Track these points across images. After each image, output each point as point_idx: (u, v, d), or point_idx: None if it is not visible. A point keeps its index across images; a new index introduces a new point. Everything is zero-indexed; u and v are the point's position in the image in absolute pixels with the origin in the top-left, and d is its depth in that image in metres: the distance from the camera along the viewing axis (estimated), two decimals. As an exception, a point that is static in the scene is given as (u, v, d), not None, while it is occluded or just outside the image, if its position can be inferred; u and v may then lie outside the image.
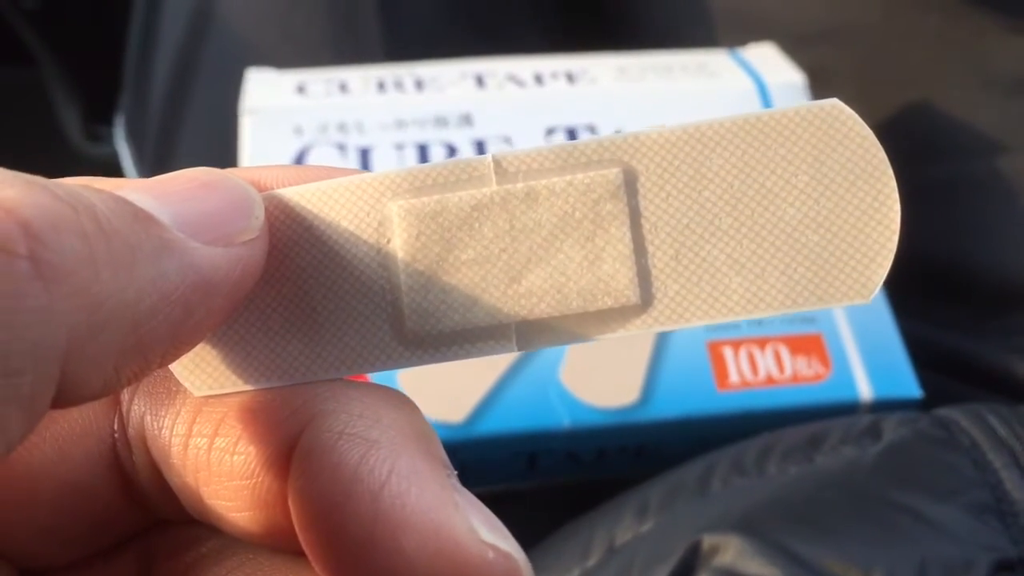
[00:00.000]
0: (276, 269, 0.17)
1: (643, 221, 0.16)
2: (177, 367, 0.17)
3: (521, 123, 0.41)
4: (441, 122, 0.41)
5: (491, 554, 0.14)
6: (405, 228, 0.16)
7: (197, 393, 0.17)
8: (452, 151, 0.40)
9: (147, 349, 0.13)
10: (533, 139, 0.40)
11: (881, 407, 0.36)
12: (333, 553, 0.15)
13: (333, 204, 0.17)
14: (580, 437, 0.35)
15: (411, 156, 0.39)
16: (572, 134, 0.41)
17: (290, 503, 0.16)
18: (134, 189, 0.14)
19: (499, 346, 0.17)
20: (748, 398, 0.36)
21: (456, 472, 0.16)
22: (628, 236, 0.16)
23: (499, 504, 0.42)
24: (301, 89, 0.42)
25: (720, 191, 0.16)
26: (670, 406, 0.35)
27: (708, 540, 0.30)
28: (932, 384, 0.37)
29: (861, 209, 0.16)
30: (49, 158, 0.84)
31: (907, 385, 0.36)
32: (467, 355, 0.17)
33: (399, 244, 0.16)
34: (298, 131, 0.40)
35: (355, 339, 0.17)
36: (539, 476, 0.38)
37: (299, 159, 0.39)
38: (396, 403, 0.16)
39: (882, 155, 0.16)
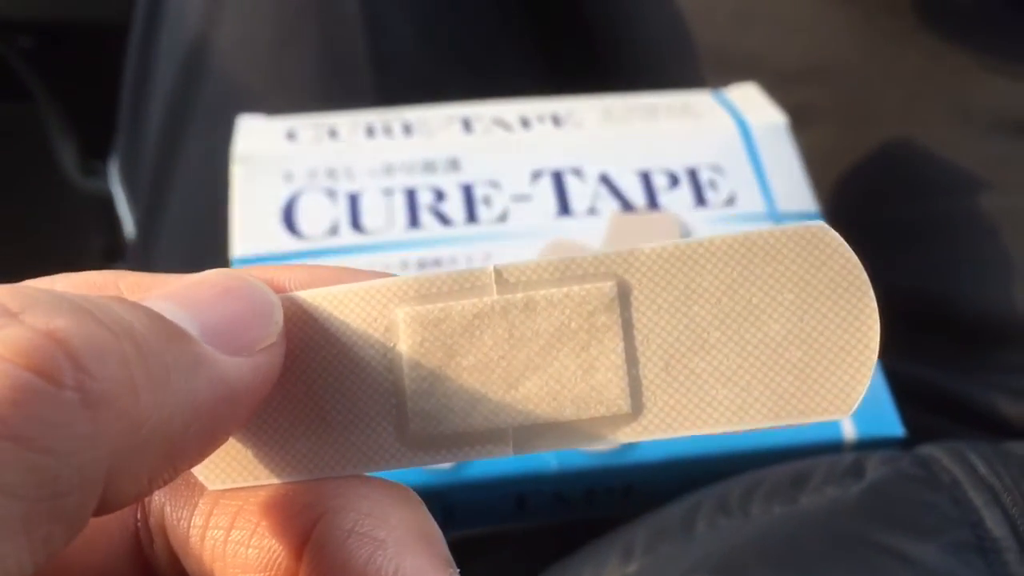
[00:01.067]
0: (288, 369, 0.17)
1: (635, 333, 0.17)
2: None
3: (508, 167, 0.42)
4: (429, 167, 0.41)
5: None
6: (410, 334, 0.17)
7: (211, 487, 0.18)
8: (440, 196, 0.40)
9: (177, 460, 0.14)
10: (520, 183, 0.41)
11: (864, 446, 0.37)
12: None
13: (344, 308, 0.17)
14: (568, 479, 0.36)
15: (399, 202, 0.40)
16: (558, 177, 0.41)
17: None
18: (165, 299, 0.15)
19: (496, 450, 0.17)
20: (733, 438, 0.36)
21: (459, 570, 0.16)
22: (621, 347, 0.17)
23: (489, 546, 0.42)
24: (291, 135, 0.42)
25: (709, 306, 0.17)
26: (656, 447, 0.36)
27: (692, 583, 0.30)
28: (914, 420, 0.38)
29: (843, 328, 0.17)
30: (45, 192, 0.84)
31: (890, 424, 0.37)
32: (466, 457, 0.17)
33: (404, 349, 0.17)
34: (288, 177, 0.40)
35: (361, 439, 0.17)
36: (528, 517, 0.38)
37: (289, 205, 0.40)
38: (403, 500, 0.17)
39: (864, 276, 0.17)
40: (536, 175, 0.41)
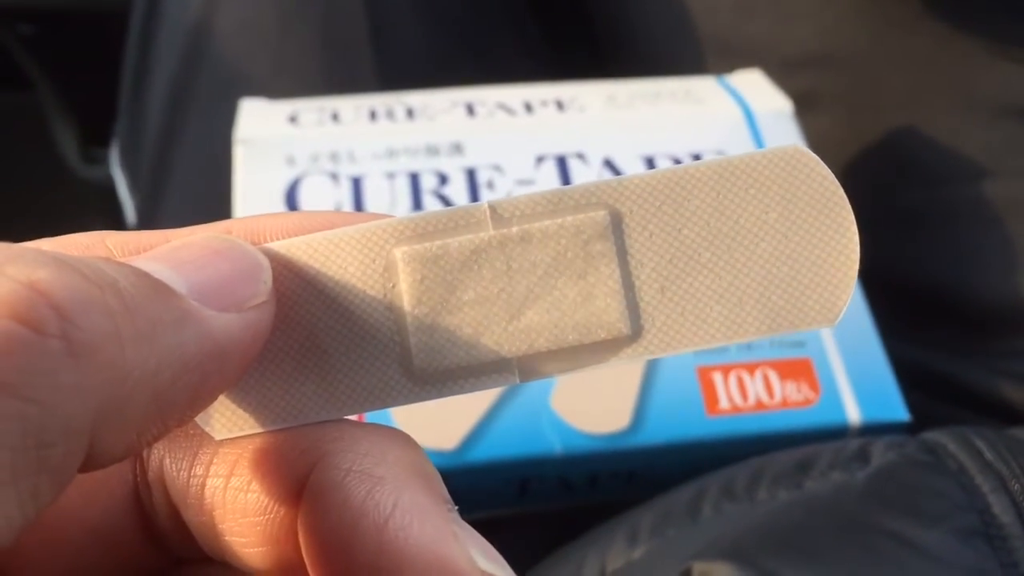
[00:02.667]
0: (288, 316, 0.18)
1: (630, 259, 0.18)
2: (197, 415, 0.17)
3: (511, 151, 0.41)
4: (432, 151, 0.41)
5: None
6: (409, 272, 0.17)
7: (218, 437, 0.18)
8: (443, 179, 0.40)
9: (166, 415, 0.14)
10: (523, 167, 0.41)
11: (870, 431, 0.36)
12: None
13: (340, 252, 0.18)
14: (572, 463, 0.36)
15: (402, 185, 0.40)
16: (562, 162, 0.41)
17: (300, 538, 0.16)
18: (151, 259, 0.15)
19: (502, 379, 0.18)
20: (738, 423, 0.36)
21: (456, 507, 0.16)
22: (617, 273, 0.18)
23: (492, 530, 0.42)
24: (293, 119, 0.42)
25: (699, 229, 0.18)
26: (661, 432, 0.36)
27: (698, 567, 0.30)
28: (919, 406, 0.37)
29: (825, 242, 0.18)
30: (46, 180, 0.84)
31: (895, 409, 0.37)
32: (473, 388, 0.18)
33: (404, 288, 0.17)
34: (290, 161, 0.40)
35: (366, 378, 0.18)
36: (531, 502, 0.38)
37: (292, 189, 0.39)
38: (401, 442, 0.17)
39: (840, 192, 0.18)
40: (540, 160, 0.41)
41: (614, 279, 0.18)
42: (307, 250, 0.18)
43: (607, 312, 0.18)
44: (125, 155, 0.57)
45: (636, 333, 0.18)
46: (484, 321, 0.17)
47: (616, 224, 0.18)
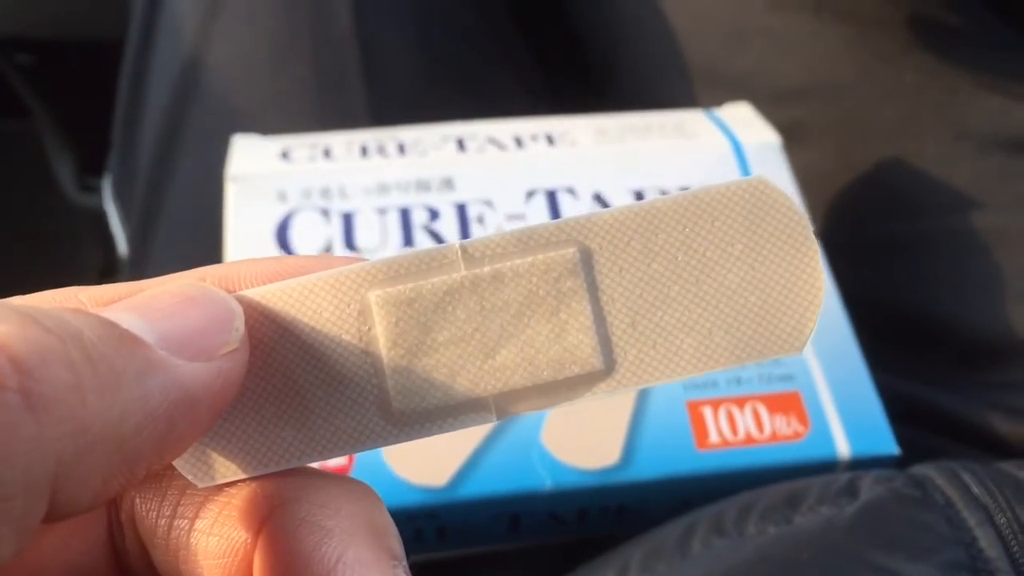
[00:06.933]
0: (265, 363, 0.18)
1: (600, 294, 0.18)
2: (179, 462, 0.18)
3: (502, 186, 0.42)
4: (423, 186, 0.41)
5: None
6: (384, 315, 0.18)
7: (201, 485, 0.18)
8: (434, 215, 0.40)
9: (133, 463, 0.14)
10: (513, 202, 0.41)
11: (859, 464, 0.36)
12: None
13: (314, 298, 0.18)
14: (562, 498, 0.36)
15: (393, 221, 0.40)
16: (552, 196, 0.41)
17: None
18: (121, 309, 0.15)
19: (479, 417, 0.18)
20: (728, 457, 0.36)
21: (405, 563, 0.17)
22: (588, 309, 0.18)
23: (483, 565, 0.42)
24: (285, 155, 0.42)
25: (667, 262, 0.18)
26: (651, 467, 0.36)
27: (686, 604, 0.30)
28: (908, 438, 0.38)
29: (790, 271, 0.18)
30: (43, 209, 0.85)
31: (885, 443, 0.37)
32: (451, 428, 0.18)
33: (380, 331, 0.18)
34: (282, 197, 0.40)
35: (345, 422, 0.18)
36: (522, 537, 0.38)
37: (283, 225, 0.40)
38: (357, 495, 0.17)
39: (805, 221, 0.18)
40: (530, 194, 0.42)
41: (585, 315, 0.18)
42: (282, 296, 0.18)
43: (580, 348, 0.18)
44: (118, 187, 0.57)
45: (609, 367, 0.18)
46: (459, 361, 0.18)
47: (586, 260, 0.18)
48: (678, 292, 0.18)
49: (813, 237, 0.18)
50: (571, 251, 0.18)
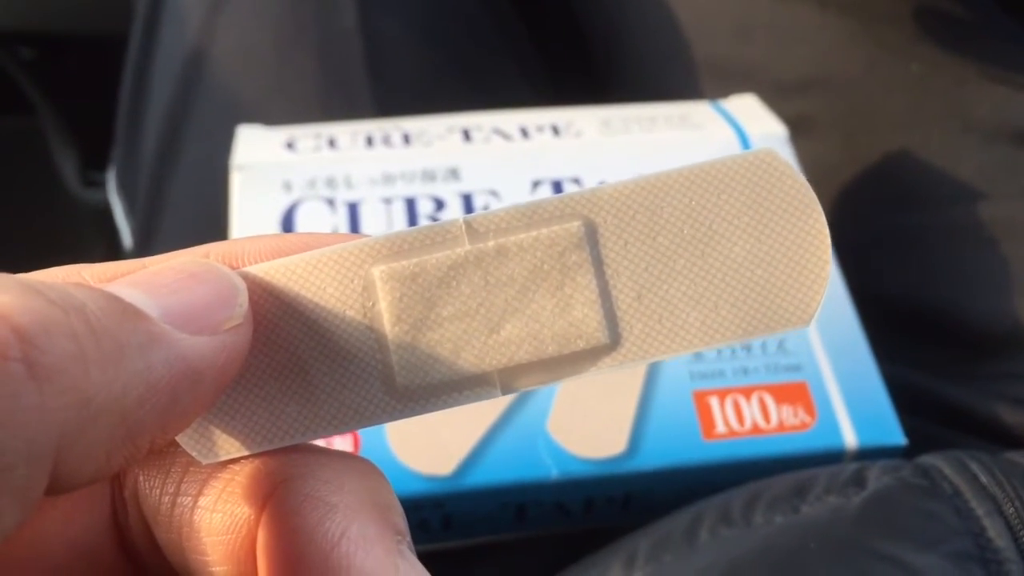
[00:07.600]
0: (269, 339, 0.18)
1: (606, 268, 0.18)
2: (183, 438, 0.18)
3: (507, 176, 0.42)
4: (428, 176, 0.41)
5: None
6: (388, 291, 0.18)
7: (204, 461, 0.18)
8: (440, 205, 0.40)
9: (136, 436, 0.14)
10: (519, 192, 0.41)
11: (866, 455, 0.36)
12: None
13: (318, 273, 0.18)
14: (568, 488, 0.36)
15: (399, 211, 0.40)
16: (558, 186, 0.41)
17: (257, 559, 0.17)
18: (126, 284, 0.15)
19: (484, 392, 0.18)
20: (734, 447, 0.36)
21: (408, 539, 0.17)
22: (593, 283, 0.18)
23: (490, 555, 0.42)
24: (290, 145, 0.42)
25: (673, 235, 0.18)
26: (657, 456, 0.36)
27: (694, 593, 0.30)
28: (915, 429, 0.38)
29: (797, 243, 0.18)
30: (47, 204, 0.85)
31: (892, 433, 0.37)
32: (455, 403, 0.18)
33: (384, 306, 0.18)
34: (287, 187, 0.40)
35: (349, 397, 0.18)
36: (528, 527, 0.38)
37: (288, 215, 0.40)
38: (362, 472, 0.17)
39: (811, 194, 0.18)
40: (536, 184, 0.41)
41: (591, 289, 0.18)
42: (286, 272, 0.18)
43: (585, 322, 0.18)
44: (122, 180, 0.57)
45: (615, 342, 0.18)
46: (464, 336, 0.18)
47: (591, 234, 0.18)
48: (684, 265, 0.18)
49: (820, 210, 0.18)
50: (576, 225, 0.18)
